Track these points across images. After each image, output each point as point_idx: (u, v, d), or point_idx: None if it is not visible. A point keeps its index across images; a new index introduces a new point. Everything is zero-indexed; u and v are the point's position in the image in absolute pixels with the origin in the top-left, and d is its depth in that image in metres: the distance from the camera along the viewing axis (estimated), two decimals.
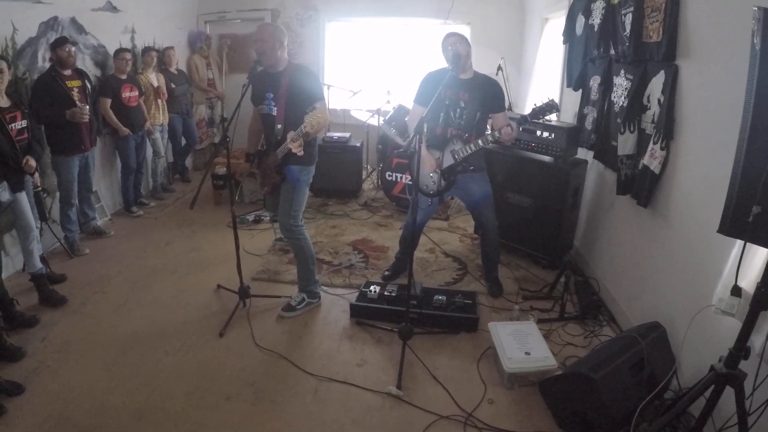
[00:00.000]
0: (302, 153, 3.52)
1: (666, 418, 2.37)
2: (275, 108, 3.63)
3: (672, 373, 2.81)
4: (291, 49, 3.73)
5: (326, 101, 4.16)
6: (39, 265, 4.01)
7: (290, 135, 3.46)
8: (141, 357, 3.43)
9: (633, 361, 2.75)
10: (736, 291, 2.20)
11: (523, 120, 3.61)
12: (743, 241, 2.02)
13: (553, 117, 3.89)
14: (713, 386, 2.18)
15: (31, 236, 3.92)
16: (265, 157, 3.82)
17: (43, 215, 4.35)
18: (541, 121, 3.67)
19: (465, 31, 7.20)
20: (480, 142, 3.69)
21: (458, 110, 3.82)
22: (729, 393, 2.15)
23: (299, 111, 3.48)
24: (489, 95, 3.81)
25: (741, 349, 2.08)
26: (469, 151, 3.74)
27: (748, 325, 2.05)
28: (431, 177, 3.92)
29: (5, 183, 3.23)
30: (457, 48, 3.69)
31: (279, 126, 3.63)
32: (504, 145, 4.38)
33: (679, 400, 2.42)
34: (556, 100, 3.55)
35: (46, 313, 3.90)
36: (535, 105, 3.56)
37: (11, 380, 3.08)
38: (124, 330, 3.74)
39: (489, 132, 3.72)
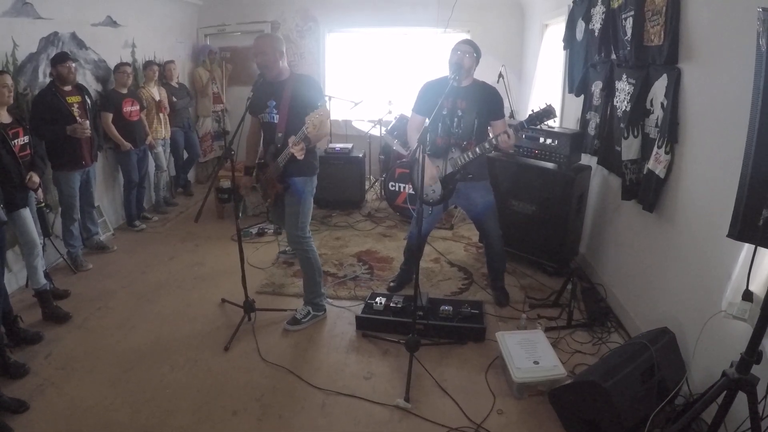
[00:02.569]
0: (303, 156, 3.50)
1: (679, 424, 2.34)
2: (277, 116, 3.63)
3: (683, 380, 2.78)
4: (291, 61, 3.75)
5: (328, 106, 4.14)
6: (43, 281, 4.00)
7: (292, 139, 3.45)
8: (146, 372, 3.41)
9: (643, 368, 2.71)
10: (748, 296, 2.18)
11: (520, 126, 3.57)
12: (753, 245, 1.99)
13: (554, 123, 3.87)
14: (725, 392, 2.16)
15: (35, 252, 3.91)
16: (265, 168, 3.81)
17: (46, 231, 4.34)
18: (538, 126, 3.63)
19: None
20: (477, 149, 3.66)
21: (455, 119, 3.80)
22: (741, 398, 2.12)
23: (300, 119, 3.46)
24: (486, 102, 3.78)
25: (753, 353, 2.06)
26: (467, 159, 3.70)
27: (760, 330, 2.02)
28: (431, 186, 3.90)
29: None
30: (463, 59, 3.66)
31: (280, 134, 3.63)
32: (507, 153, 4.36)
33: (691, 407, 2.39)
34: (557, 106, 3.52)
35: (50, 329, 3.88)
36: (532, 111, 3.53)
37: (15, 397, 3.05)
38: (128, 345, 3.72)
39: (491, 137, 3.69)
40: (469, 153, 3.69)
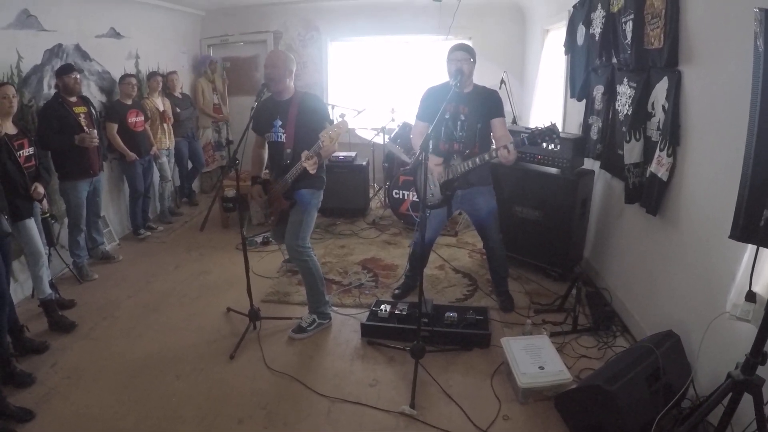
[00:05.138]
0: (315, 170, 3.54)
1: (685, 427, 2.33)
2: (284, 134, 3.67)
3: (689, 382, 2.77)
4: (295, 71, 3.78)
5: (331, 115, 4.15)
6: (48, 290, 4.02)
7: (305, 154, 3.48)
8: (152, 382, 3.41)
9: (649, 372, 2.70)
10: (751, 296, 2.17)
11: (520, 143, 3.50)
12: (756, 246, 1.99)
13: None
14: (731, 393, 2.15)
15: (40, 262, 3.93)
16: (272, 185, 3.83)
17: (51, 241, 4.36)
18: (539, 143, 3.59)
19: None
20: (478, 159, 3.64)
21: (458, 123, 3.81)
22: (747, 400, 2.11)
23: (309, 135, 3.52)
24: (487, 104, 3.79)
25: (757, 354, 2.05)
26: (467, 168, 3.70)
27: (764, 331, 2.01)
28: (430, 189, 3.90)
29: (1, 215, 3.31)
30: (461, 65, 3.68)
31: (288, 150, 3.66)
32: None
33: (697, 409, 2.38)
34: (559, 110, 3.51)
35: (56, 338, 3.90)
36: (536, 128, 3.48)
37: (22, 406, 3.06)
38: (134, 355, 3.73)
39: (492, 148, 3.67)
40: (469, 162, 3.69)
